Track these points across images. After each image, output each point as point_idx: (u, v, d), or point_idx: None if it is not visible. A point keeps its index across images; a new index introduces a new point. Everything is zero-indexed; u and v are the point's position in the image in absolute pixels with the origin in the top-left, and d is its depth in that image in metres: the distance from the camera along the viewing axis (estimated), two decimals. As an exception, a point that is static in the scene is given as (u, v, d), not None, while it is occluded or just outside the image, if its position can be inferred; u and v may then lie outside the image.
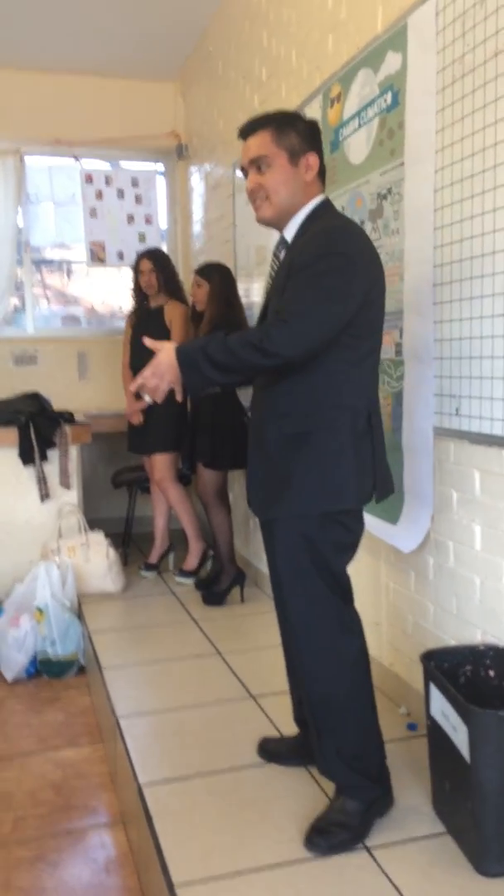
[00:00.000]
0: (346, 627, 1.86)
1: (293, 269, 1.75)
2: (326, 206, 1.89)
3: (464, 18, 1.99)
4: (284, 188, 1.83)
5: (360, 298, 1.73)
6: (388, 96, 2.37)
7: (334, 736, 1.85)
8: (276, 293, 1.85)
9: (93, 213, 5.08)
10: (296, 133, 1.84)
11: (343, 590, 1.88)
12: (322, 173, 1.90)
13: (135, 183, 5.14)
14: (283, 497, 1.81)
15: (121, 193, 5.12)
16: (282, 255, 1.91)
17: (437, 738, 1.83)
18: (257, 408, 1.92)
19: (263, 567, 3.75)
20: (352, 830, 1.80)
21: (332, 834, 1.79)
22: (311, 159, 1.85)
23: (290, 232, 1.88)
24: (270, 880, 1.69)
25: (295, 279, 1.73)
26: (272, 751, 2.20)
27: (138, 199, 5.15)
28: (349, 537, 1.87)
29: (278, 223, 1.90)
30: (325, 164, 1.91)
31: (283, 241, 1.91)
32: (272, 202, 1.85)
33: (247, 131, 1.87)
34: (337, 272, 1.70)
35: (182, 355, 1.73)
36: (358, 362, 1.80)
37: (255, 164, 1.85)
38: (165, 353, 1.74)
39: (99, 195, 5.08)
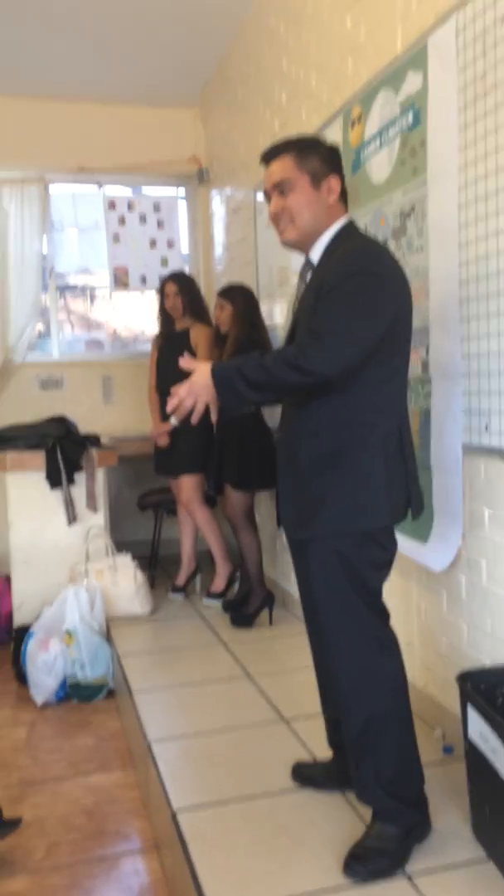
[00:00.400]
0: (385, 647, 1.84)
1: (323, 290, 1.76)
2: (351, 227, 1.90)
3: (484, 37, 2.00)
4: (308, 210, 1.85)
5: (391, 315, 1.74)
6: (410, 115, 2.38)
7: (372, 758, 1.82)
8: (304, 314, 1.86)
9: (116, 238, 5.14)
10: (317, 157, 1.86)
11: (380, 609, 1.86)
12: (344, 196, 1.91)
13: (157, 208, 5.21)
14: (317, 516, 1.80)
15: (143, 219, 5.18)
16: (308, 276, 1.92)
17: (476, 760, 1.80)
18: (287, 426, 1.92)
19: (291, 588, 3.73)
20: (391, 856, 1.77)
21: (371, 860, 1.75)
22: (333, 182, 1.87)
23: (315, 254, 1.89)
24: (309, 908, 1.66)
25: (326, 299, 1.74)
26: (306, 775, 2.17)
27: (160, 224, 5.21)
28: (385, 555, 1.86)
29: (302, 245, 1.91)
30: (347, 186, 1.93)
31: (308, 263, 1.92)
32: (296, 224, 1.87)
33: (269, 156, 1.89)
34: (367, 291, 1.71)
35: (218, 375, 1.74)
36: (387, 380, 1.80)
37: (278, 189, 1.87)
38: (201, 373, 1.75)
39: (121, 221, 5.15)
